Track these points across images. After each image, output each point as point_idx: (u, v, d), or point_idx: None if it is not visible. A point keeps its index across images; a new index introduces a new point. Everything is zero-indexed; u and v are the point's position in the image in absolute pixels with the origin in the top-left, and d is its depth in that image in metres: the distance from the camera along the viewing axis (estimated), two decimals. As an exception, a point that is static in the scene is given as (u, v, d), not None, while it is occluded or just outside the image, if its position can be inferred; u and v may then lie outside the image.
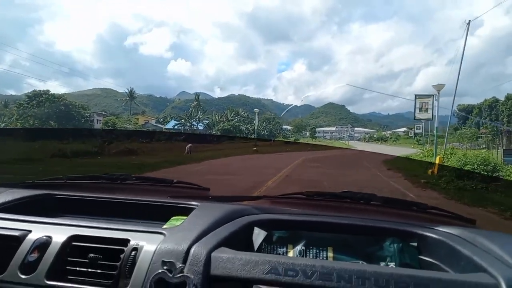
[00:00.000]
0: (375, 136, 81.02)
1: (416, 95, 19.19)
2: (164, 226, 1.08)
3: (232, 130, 51.20)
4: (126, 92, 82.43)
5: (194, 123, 49.02)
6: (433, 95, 17.00)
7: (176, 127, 49.60)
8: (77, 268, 0.89)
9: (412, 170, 11.72)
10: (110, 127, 46.29)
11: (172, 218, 1.18)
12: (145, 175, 1.95)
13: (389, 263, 1.05)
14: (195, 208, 1.21)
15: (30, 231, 0.97)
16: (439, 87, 15.44)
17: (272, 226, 1.12)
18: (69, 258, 0.91)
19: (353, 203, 1.39)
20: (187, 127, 49.20)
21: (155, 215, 1.27)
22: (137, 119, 56.21)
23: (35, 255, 0.90)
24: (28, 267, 0.88)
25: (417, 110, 18.76)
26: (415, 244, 1.08)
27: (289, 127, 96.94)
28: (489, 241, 0.98)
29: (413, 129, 55.99)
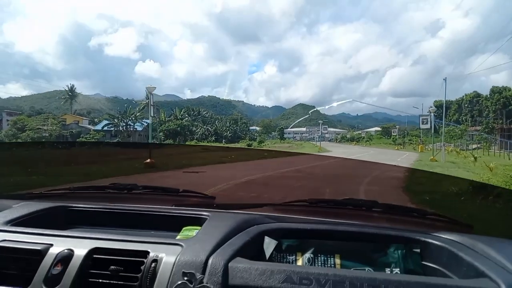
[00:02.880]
0: (347, 136, 75.47)
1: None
2: (179, 237, 1.13)
3: (179, 131, 42.20)
4: (65, 89, 70.60)
5: (130, 123, 39.49)
6: None
7: (107, 128, 39.89)
8: (100, 280, 0.92)
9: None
10: (18, 127, 35.89)
11: (184, 228, 1.20)
12: (151, 184, 1.72)
13: (394, 269, 1.08)
14: (206, 218, 1.23)
15: (51, 245, 0.99)
16: None
17: (282, 235, 1.15)
18: (91, 271, 0.93)
19: (355, 210, 1.42)
20: (121, 128, 39.61)
21: (166, 225, 1.28)
22: (65, 119, 45.89)
23: (58, 268, 0.93)
24: (52, 280, 0.91)
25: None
26: (418, 250, 1.10)
27: (258, 128, 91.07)
28: (488, 246, 1.01)
29: (395, 127, 49.46)
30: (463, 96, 54.59)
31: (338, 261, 1.09)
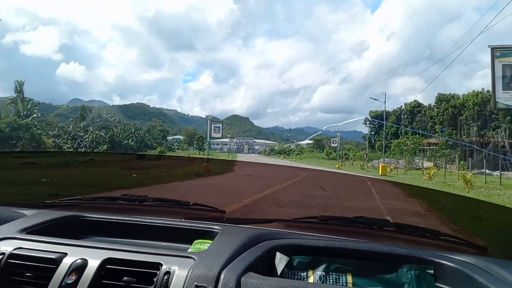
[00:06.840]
0: (276, 148, 66.60)
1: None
2: (190, 250, 1.13)
3: (12, 136, 27.27)
4: None
5: None
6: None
7: None
8: None
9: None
10: None
11: (195, 241, 1.21)
12: (162, 197, 1.73)
13: None
14: (217, 232, 1.24)
15: (66, 254, 1.00)
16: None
17: (293, 251, 1.14)
18: (104, 281, 0.94)
19: (366, 228, 1.41)
20: None
21: (178, 237, 1.29)
22: None
23: (72, 278, 0.93)
24: None
25: None
26: (432, 271, 1.08)
27: (182, 137, 79.76)
28: (505, 270, 0.99)
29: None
30: (401, 106, 47.86)
31: (350, 279, 1.07)
